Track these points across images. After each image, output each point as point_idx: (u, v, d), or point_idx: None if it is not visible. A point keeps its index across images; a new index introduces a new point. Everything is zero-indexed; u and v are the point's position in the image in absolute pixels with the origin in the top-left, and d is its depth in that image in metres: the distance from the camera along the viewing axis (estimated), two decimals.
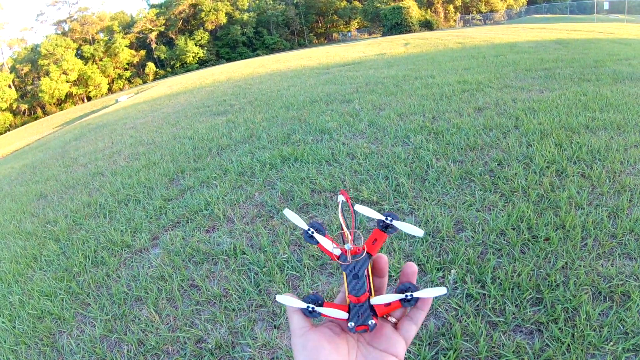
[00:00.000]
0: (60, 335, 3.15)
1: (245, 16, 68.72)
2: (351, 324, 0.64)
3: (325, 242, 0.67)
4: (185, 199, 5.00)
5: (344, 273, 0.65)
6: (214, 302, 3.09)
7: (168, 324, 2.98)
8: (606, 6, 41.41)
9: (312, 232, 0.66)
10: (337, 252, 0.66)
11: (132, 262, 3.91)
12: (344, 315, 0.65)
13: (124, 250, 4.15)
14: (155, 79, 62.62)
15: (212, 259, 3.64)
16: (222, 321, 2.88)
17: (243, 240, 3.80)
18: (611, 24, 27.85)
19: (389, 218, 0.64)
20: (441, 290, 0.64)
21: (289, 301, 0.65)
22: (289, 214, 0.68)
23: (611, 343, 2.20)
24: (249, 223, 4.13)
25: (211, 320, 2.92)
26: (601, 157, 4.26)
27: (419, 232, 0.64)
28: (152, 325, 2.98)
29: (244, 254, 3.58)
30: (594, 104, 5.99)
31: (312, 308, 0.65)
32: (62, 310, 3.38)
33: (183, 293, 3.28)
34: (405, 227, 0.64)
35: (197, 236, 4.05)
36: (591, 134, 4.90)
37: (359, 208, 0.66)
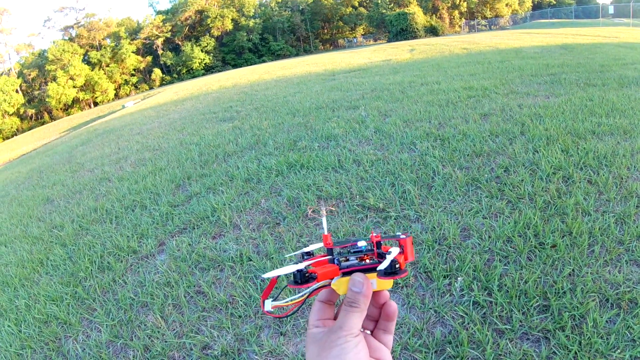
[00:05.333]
0: (66, 340, 3.16)
1: (251, 22, 68.90)
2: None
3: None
4: (192, 205, 5.01)
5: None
6: (220, 309, 3.10)
7: (174, 330, 2.99)
8: (611, 10, 41.36)
9: (306, 271, 0.66)
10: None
11: (138, 267, 3.92)
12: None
13: (130, 256, 4.16)
14: (161, 84, 62.79)
15: (219, 265, 3.65)
16: (229, 328, 2.88)
17: (249, 246, 3.80)
18: (616, 28, 27.80)
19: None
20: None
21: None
22: (269, 274, 0.67)
23: (618, 350, 2.19)
24: (255, 230, 4.13)
25: (217, 327, 2.92)
26: (608, 162, 4.25)
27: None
28: (158, 331, 2.98)
29: (250, 260, 3.59)
30: (600, 109, 5.97)
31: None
32: (68, 315, 3.39)
33: (189, 299, 3.28)
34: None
35: (203, 242, 4.06)
36: (597, 139, 4.88)
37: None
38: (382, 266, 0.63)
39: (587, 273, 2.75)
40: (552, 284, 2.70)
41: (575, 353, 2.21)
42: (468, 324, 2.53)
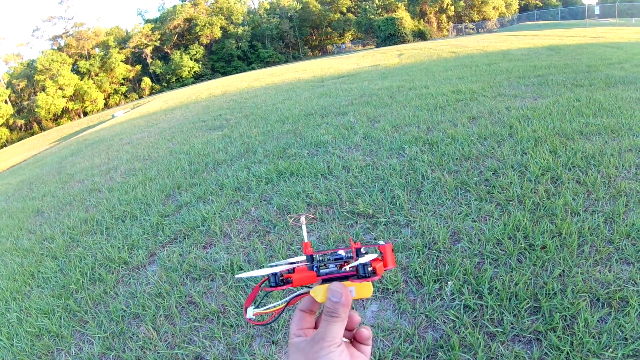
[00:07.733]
0: (59, 353, 3.14)
1: (240, 30, 68.91)
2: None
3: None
4: (182, 214, 5.00)
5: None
6: (212, 319, 3.08)
7: (166, 341, 2.97)
8: (597, 11, 41.84)
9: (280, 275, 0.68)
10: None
11: (129, 279, 3.90)
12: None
13: (122, 267, 4.13)
14: (151, 93, 62.56)
15: (210, 275, 3.63)
16: (220, 337, 2.87)
17: (240, 256, 3.79)
18: (602, 29, 28.14)
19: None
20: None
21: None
22: (243, 275, 0.68)
23: (610, 349, 2.20)
24: (246, 238, 4.12)
25: (209, 337, 2.91)
26: (596, 162, 4.28)
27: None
28: (151, 343, 2.96)
29: (241, 269, 3.57)
30: (587, 109, 6.03)
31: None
32: (60, 328, 3.36)
33: (181, 310, 3.27)
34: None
35: (194, 252, 4.04)
36: (585, 139, 4.92)
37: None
38: (348, 267, 0.64)
39: (578, 273, 2.77)
40: (542, 285, 2.71)
41: (567, 353, 2.22)
42: (459, 327, 2.53)
